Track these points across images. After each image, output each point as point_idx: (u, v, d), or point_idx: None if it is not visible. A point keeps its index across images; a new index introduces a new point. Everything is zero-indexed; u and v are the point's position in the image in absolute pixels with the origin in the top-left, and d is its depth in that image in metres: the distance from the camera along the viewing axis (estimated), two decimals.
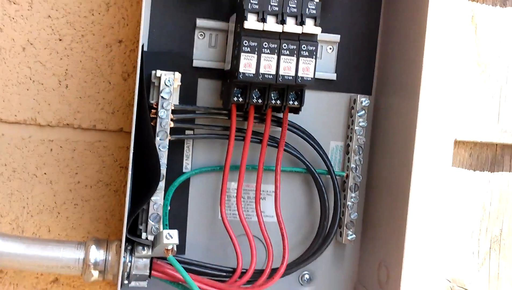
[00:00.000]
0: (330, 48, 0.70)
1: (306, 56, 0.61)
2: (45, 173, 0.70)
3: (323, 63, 0.70)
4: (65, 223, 0.71)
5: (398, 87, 0.67)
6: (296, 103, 0.64)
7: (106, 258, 0.62)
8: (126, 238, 0.61)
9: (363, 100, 0.70)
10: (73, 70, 0.69)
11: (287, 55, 0.61)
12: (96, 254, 0.62)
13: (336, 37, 0.70)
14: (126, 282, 0.62)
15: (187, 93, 0.67)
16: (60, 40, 0.69)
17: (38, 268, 0.62)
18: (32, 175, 0.70)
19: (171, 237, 0.60)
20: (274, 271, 0.66)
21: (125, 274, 0.62)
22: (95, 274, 0.62)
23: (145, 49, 0.65)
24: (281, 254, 0.66)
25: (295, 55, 0.61)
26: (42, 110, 0.69)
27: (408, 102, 0.64)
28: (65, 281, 0.72)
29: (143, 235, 0.64)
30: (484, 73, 0.83)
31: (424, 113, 0.61)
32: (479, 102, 0.83)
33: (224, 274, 0.67)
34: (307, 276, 0.73)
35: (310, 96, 0.69)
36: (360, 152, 0.71)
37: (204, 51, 0.67)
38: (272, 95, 0.64)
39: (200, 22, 0.66)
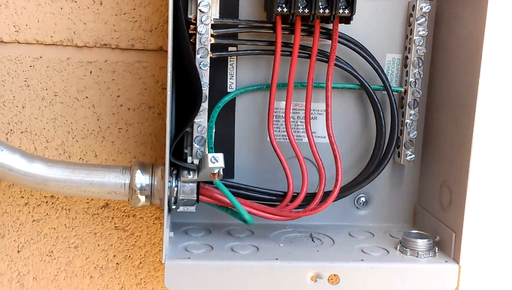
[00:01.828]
0: None
1: None
2: (86, 97, 0.68)
3: None
4: (110, 147, 0.70)
5: None
6: (346, 11, 0.58)
7: (151, 183, 0.60)
8: (171, 162, 0.58)
9: (423, 6, 0.63)
10: None
11: None
12: (142, 179, 0.60)
13: None
14: (174, 207, 0.61)
15: (228, 5, 0.62)
16: None
17: (85, 193, 0.61)
18: (74, 98, 0.68)
19: (216, 161, 0.57)
20: (327, 194, 0.62)
21: (172, 199, 0.60)
22: (142, 199, 0.61)
23: None
24: (334, 177, 0.62)
25: None
26: (78, 30, 0.66)
27: (475, 7, 0.57)
28: (115, 205, 0.71)
29: (189, 159, 0.62)
30: None
31: (494, 19, 0.54)
32: None
33: (274, 198, 0.64)
34: (363, 199, 0.70)
35: (362, 2, 0.63)
36: (420, 65, 0.64)
37: None
38: (320, 3, 0.58)
39: None
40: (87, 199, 0.71)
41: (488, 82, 0.56)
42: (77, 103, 0.68)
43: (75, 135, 0.69)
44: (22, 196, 0.70)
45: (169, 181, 0.59)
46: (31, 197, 0.70)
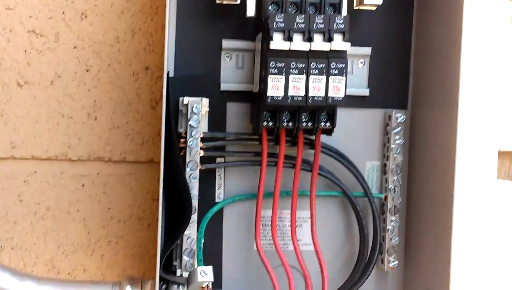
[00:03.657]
0: (362, 62, 0.68)
1: (336, 74, 0.59)
2: (78, 210, 0.69)
3: (354, 78, 0.67)
4: (100, 261, 0.70)
5: (435, 99, 0.64)
6: (328, 124, 0.62)
7: None
8: (160, 276, 0.59)
9: (399, 116, 0.67)
10: (101, 101, 0.69)
11: (316, 74, 0.59)
12: None
13: (367, 50, 0.67)
14: None
15: (216, 118, 0.65)
16: (87, 70, 0.69)
17: None
18: (65, 212, 0.69)
19: (205, 274, 0.58)
20: None
21: None
22: None
23: (171, 75, 0.64)
24: (321, 286, 0.62)
25: (324, 74, 0.59)
26: (72, 145, 0.69)
27: (446, 114, 0.61)
28: None
29: (178, 272, 0.63)
30: None
31: (465, 125, 0.58)
32: None
33: None
34: None
35: (342, 114, 0.66)
36: (398, 172, 0.68)
37: (231, 73, 0.66)
38: (303, 117, 0.62)
39: (226, 43, 0.65)
40: None
41: (464, 182, 0.59)
42: (68, 217, 0.69)
43: (64, 249, 0.69)
44: None
45: None
46: None
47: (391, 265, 0.68)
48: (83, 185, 0.69)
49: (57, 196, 0.69)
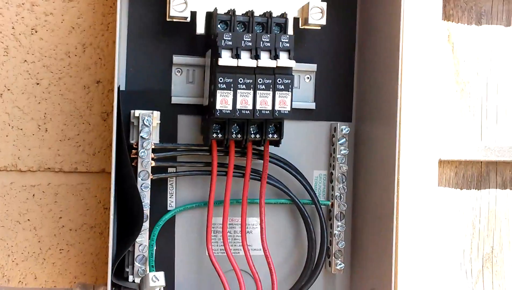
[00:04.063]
0: (308, 77, 0.70)
1: (282, 90, 0.61)
2: (28, 219, 0.69)
3: (301, 92, 0.70)
4: (51, 269, 0.70)
5: (377, 112, 0.67)
6: (275, 136, 0.64)
7: None
8: (112, 282, 0.60)
9: (343, 128, 0.70)
10: (52, 113, 0.69)
11: (263, 89, 0.61)
12: None
13: (313, 66, 0.70)
14: None
15: (168, 130, 0.67)
16: (38, 84, 0.69)
17: None
18: (15, 222, 0.69)
19: (157, 280, 0.60)
20: None
21: None
22: None
23: (123, 88, 0.65)
24: (271, 287, 0.65)
25: (271, 89, 0.61)
26: (22, 156, 0.69)
27: (388, 127, 0.64)
28: None
29: (130, 278, 0.63)
30: (464, 91, 0.83)
31: (406, 136, 0.62)
32: (461, 121, 0.83)
33: None
34: None
35: (290, 126, 0.69)
36: (344, 180, 0.70)
37: (182, 87, 0.67)
38: (251, 129, 0.64)
39: (176, 58, 0.66)
40: None
41: (406, 190, 0.62)
42: (18, 226, 0.69)
43: (15, 258, 0.69)
44: None
45: None
46: None
47: (338, 267, 0.70)
48: (33, 195, 0.69)
49: (6, 206, 0.69)
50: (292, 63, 0.61)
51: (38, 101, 0.69)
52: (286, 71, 0.61)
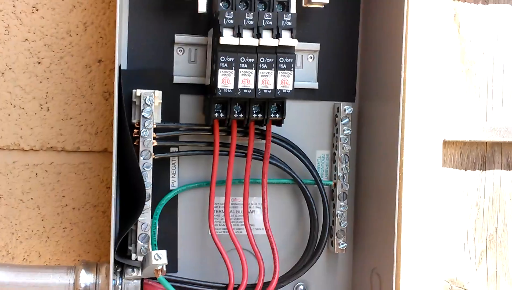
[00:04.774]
0: (311, 57, 0.70)
1: (284, 69, 0.61)
2: (31, 198, 0.70)
3: (304, 72, 0.69)
4: (55, 247, 0.71)
5: (381, 92, 0.67)
6: (277, 115, 0.64)
7: (96, 281, 0.61)
8: (115, 260, 0.60)
9: (346, 108, 0.69)
10: (54, 92, 0.69)
11: (265, 68, 0.61)
12: (86, 278, 0.61)
13: (316, 46, 0.69)
14: None
15: (169, 110, 0.66)
16: (39, 63, 0.68)
17: None
18: (18, 200, 0.69)
19: (160, 258, 0.60)
20: (266, 285, 0.65)
21: None
22: None
23: (124, 67, 0.65)
24: (273, 265, 0.65)
25: (273, 68, 0.61)
26: (24, 135, 0.69)
27: (392, 107, 0.63)
28: None
29: (133, 256, 0.64)
30: (470, 71, 0.82)
31: (410, 116, 0.61)
32: (466, 101, 0.82)
33: None
34: (301, 287, 0.73)
35: (293, 106, 0.69)
36: (347, 160, 0.70)
37: (184, 66, 0.67)
38: (253, 109, 0.63)
39: (178, 37, 0.66)
40: None
41: (410, 170, 0.62)
42: (21, 205, 0.70)
43: (19, 236, 0.70)
44: None
45: (113, 279, 0.61)
46: None
47: (340, 247, 0.71)
48: (36, 174, 0.70)
49: (10, 185, 0.69)
50: (294, 42, 0.60)
51: (39, 80, 0.68)
52: (288, 50, 0.61)
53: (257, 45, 0.60)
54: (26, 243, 0.70)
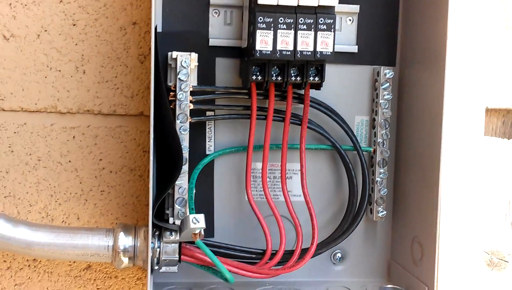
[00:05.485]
0: (350, 19, 0.67)
1: (324, 30, 0.59)
2: (69, 161, 0.70)
3: (343, 35, 0.67)
4: (93, 210, 0.71)
5: (423, 56, 0.64)
6: (316, 79, 0.62)
7: (134, 244, 0.62)
8: (153, 223, 0.60)
9: (387, 72, 0.67)
10: (89, 55, 0.68)
11: (304, 29, 0.59)
12: (125, 240, 0.62)
13: (356, 8, 0.67)
14: (156, 267, 0.62)
15: (205, 73, 0.65)
16: (74, 25, 0.68)
17: (69, 256, 0.62)
18: (57, 163, 0.70)
19: (197, 222, 0.59)
20: (304, 251, 0.64)
21: (155, 259, 0.62)
22: (125, 260, 0.62)
23: (159, 30, 0.64)
24: (311, 234, 0.64)
25: (312, 30, 0.59)
26: (61, 97, 0.69)
27: (434, 72, 0.61)
28: (98, 267, 0.72)
29: (170, 220, 0.64)
30: None
31: (452, 82, 0.59)
32: (510, 68, 0.79)
33: (254, 256, 0.66)
34: (339, 255, 0.72)
35: (331, 70, 0.67)
36: (387, 126, 0.68)
37: (220, 29, 0.65)
38: (292, 71, 0.62)
39: None
40: (69, 262, 0.71)
41: (451, 138, 0.60)
42: (60, 167, 0.70)
43: (58, 199, 0.70)
44: (4, 260, 0.70)
45: (152, 242, 0.61)
46: (13, 261, 0.71)
47: (379, 215, 0.69)
48: (73, 137, 0.70)
49: (48, 147, 0.69)
50: (335, 2, 0.58)
51: (75, 43, 0.68)
52: (328, 11, 0.59)
53: (296, 5, 0.58)
54: (65, 205, 0.71)
